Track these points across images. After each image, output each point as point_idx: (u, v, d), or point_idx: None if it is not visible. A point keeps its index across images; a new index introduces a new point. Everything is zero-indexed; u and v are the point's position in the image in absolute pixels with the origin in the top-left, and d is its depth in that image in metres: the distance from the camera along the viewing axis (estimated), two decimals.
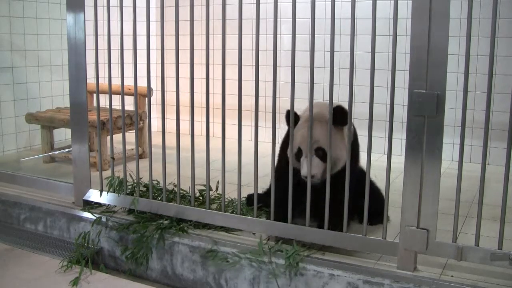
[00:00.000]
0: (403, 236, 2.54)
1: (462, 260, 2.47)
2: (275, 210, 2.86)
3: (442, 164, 2.44)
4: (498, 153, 4.40)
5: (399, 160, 2.75)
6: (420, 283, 2.46)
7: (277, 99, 2.83)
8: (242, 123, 2.90)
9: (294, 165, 2.79)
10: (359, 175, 2.80)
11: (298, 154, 2.78)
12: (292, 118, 2.74)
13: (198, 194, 3.33)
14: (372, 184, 2.67)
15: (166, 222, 3.11)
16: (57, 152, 4.76)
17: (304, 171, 2.72)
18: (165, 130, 3.21)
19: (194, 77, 3.00)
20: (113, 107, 3.40)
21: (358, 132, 3.03)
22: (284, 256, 2.69)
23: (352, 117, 2.66)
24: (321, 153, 2.72)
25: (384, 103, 4.63)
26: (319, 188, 2.73)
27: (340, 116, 2.68)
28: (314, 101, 2.69)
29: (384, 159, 2.66)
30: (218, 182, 3.16)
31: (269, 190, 3.07)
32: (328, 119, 2.66)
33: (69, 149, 4.18)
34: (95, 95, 3.59)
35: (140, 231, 3.09)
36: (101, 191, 3.40)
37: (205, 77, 2.94)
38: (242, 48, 2.84)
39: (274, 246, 2.78)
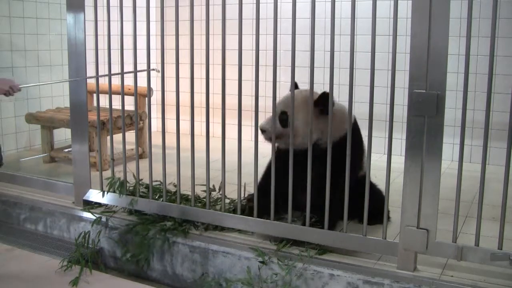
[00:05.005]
0: (403, 236, 2.54)
1: (462, 260, 2.47)
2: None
3: (442, 164, 2.44)
4: (498, 153, 4.39)
5: (399, 160, 2.75)
6: (420, 283, 2.46)
7: (277, 99, 2.83)
8: (242, 123, 2.90)
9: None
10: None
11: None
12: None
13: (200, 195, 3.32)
14: (372, 185, 2.67)
15: (169, 223, 3.10)
16: None
17: (259, 124, 2.91)
18: (165, 130, 3.21)
19: (194, 77, 3.00)
20: (113, 107, 3.40)
21: None
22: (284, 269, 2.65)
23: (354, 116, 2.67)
24: (283, 117, 2.90)
25: (384, 103, 4.62)
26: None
27: (322, 100, 2.79)
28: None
29: (384, 159, 2.66)
30: (214, 184, 3.16)
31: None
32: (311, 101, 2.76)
33: (69, 149, 4.17)
34: (95, 95, 3.59)
35: (142, 233, 3.07)
36: (101, 191, 3.40)
37: (205, 77, 2.94)
38: (242, 48, 2.85)
39: (265, 261, 2.74)
